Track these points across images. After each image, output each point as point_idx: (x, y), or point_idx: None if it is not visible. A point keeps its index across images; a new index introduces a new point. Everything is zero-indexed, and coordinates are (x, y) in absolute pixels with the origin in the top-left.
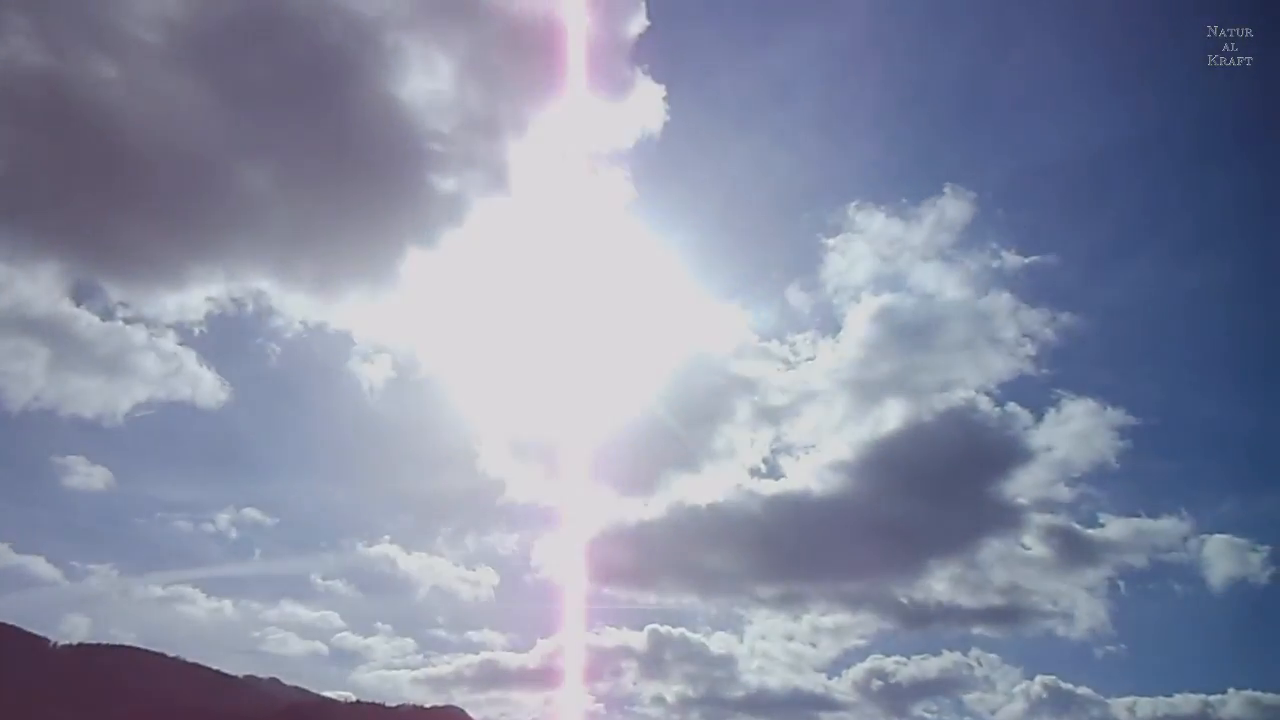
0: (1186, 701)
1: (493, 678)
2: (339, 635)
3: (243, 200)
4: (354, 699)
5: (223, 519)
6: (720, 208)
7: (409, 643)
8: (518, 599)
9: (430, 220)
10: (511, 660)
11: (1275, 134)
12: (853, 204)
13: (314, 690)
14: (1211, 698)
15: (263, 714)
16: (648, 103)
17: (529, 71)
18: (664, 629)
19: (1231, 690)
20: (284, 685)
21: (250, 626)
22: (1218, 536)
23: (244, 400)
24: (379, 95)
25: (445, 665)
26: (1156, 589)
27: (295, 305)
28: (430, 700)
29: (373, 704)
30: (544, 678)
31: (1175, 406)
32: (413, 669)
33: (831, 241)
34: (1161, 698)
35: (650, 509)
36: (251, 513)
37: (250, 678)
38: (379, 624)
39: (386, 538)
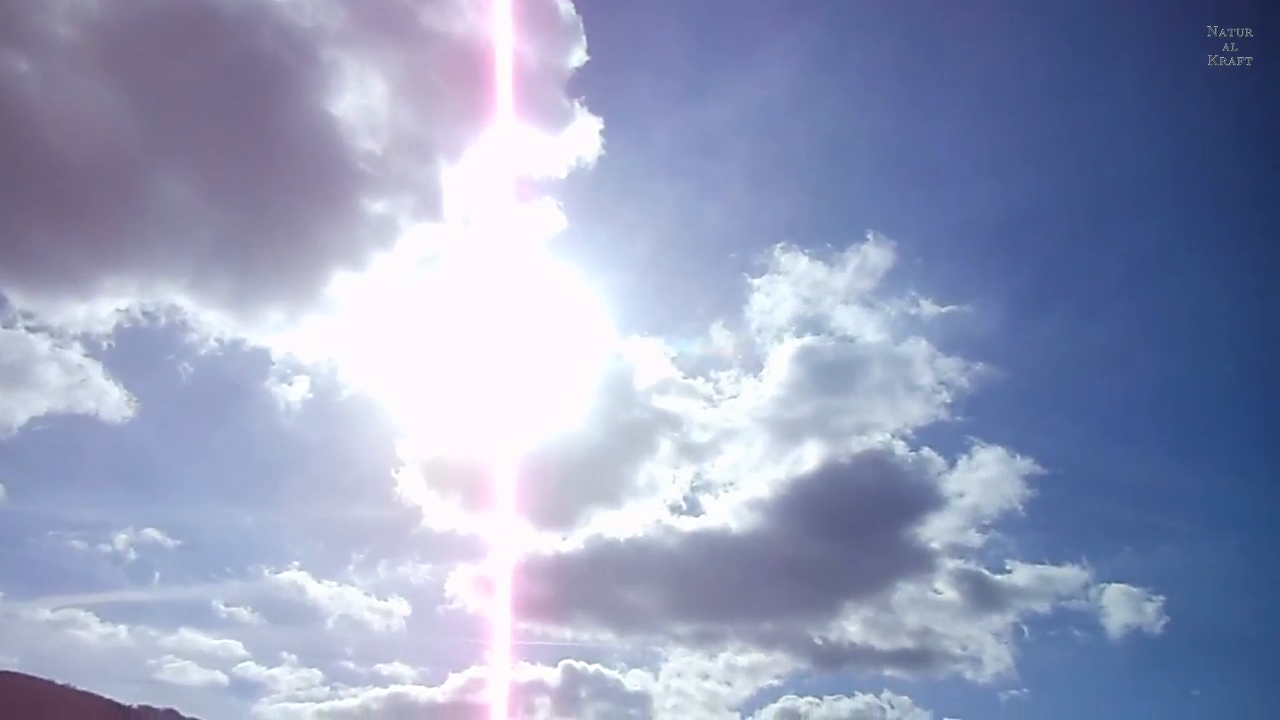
0: None
1: (402, 711)
2: (241, 665)
3: (160, 210)
4: None
5: (121, 540)
6: (650, 243)
7: (315, 674)
8: (430, 631)
9: (358, 242)
10: (421, 694)
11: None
12: (778, 245)
13: None
14: None
15: None
16: (584, 134)
17: (465, 95)
18: (579, 665)
19: None
20: (181, 717)
21: (146, 654)
22: (1115, 585)
23: (151, 416)
24: (309, 109)
25: (352, 698)
26: (1058, 635)
27: (211, 321)
28: None
29: None
30: (455, 712)
31: (1079, 458)
32: (318, 701)
33: (756, 281)
34: None
35: (569, 543)
36: (152, 534)
37: (145, 708)
38: (284, 654)
39: (295, 564)
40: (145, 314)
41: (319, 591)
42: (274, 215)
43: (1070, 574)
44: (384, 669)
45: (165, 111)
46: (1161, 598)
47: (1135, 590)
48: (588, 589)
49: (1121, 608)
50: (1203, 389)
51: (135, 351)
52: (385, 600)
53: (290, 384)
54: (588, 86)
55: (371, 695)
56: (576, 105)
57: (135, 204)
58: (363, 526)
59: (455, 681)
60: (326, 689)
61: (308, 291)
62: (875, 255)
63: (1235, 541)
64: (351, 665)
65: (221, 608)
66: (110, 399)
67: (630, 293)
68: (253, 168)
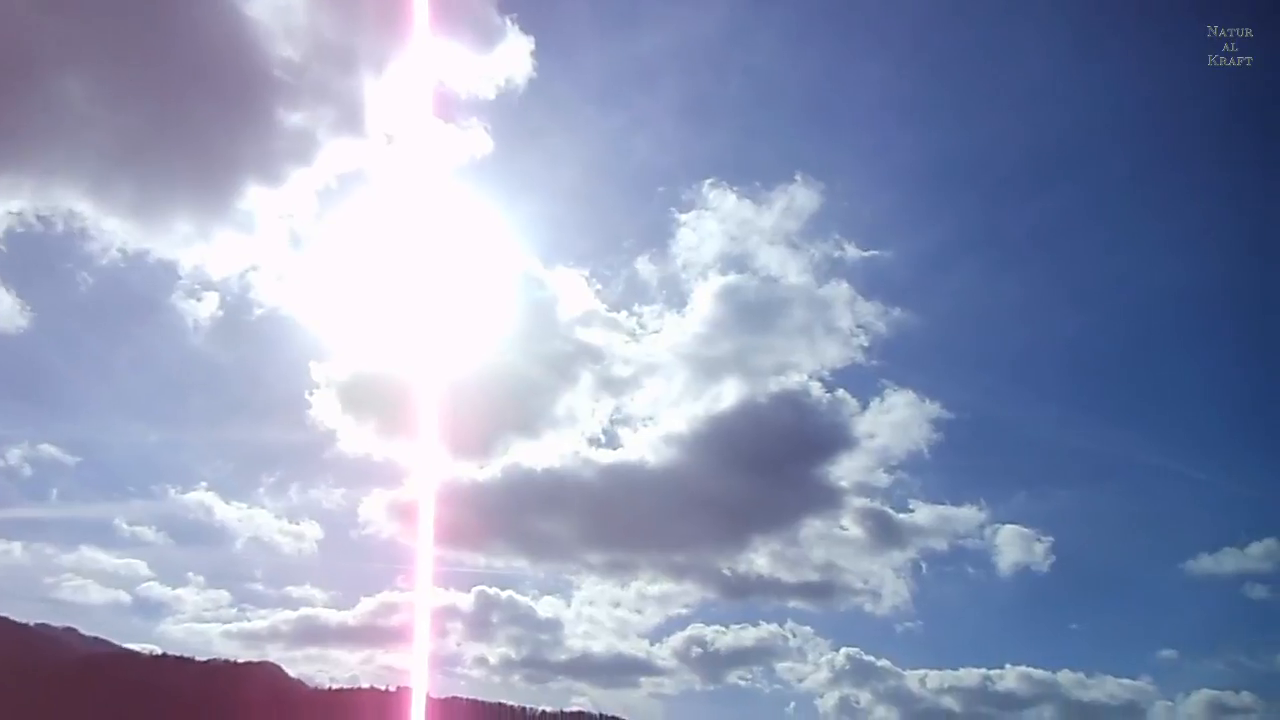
0: (970, 675)
1: (311, 634)
2: (145, 585)
3: (57, 109)
4: (160, 652)
5: (15, 454)
6: (577, 172)
7: (223, 595)
8: (342, 555)
9: (274, 154)
10: (332, 617)
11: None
12: (707, 182)
13: (115, 642)
14: (991, 672)
15: (57, 665)
16: (514, 54)
17: (391, 4)
18: (492, 591)
19: (1009, 665)
20: (82, 635)
21: (44, 572)
22: (1009, 526)
23: (48, 327)
24: (223, 9)
25: (261, 620)
26: (953, 571)
27: (113, 230)
28: (244, 655)
29: (180, 657)
30: (366, 636)
31: (984, 405)
32: (225, 622)
33: (684, 217)
34: (949, 671)
35: (486, 471)
36: (49, 450)
37: (43, 626)
38: (190, 575)
39: (203, 484)
40: (40, 219)
41: (228, 513)
42: (182, 121)
43: (968, 514)
44: (294, 592)
45: (65, 5)
46: (1050, 539)
47: (1027, 531)
48: (504, 517)
49: (1013, 547)
50: (1102, 347)
51: (29, 258)
52: (297, 523)
53: (199, 300)
54: (520, 3)
55: (281, 618)
56: (508, 23)
57: (29, 101)
58: (274, 449)
59: (367, 605)
60: (234, 610)
61: (219, 204)
62: (803, 197)
63: (1119, 488)
64: (260, 588)
65: (124, 527)
66: (1, 307)
67: (556, 222)
68: (160, 68)
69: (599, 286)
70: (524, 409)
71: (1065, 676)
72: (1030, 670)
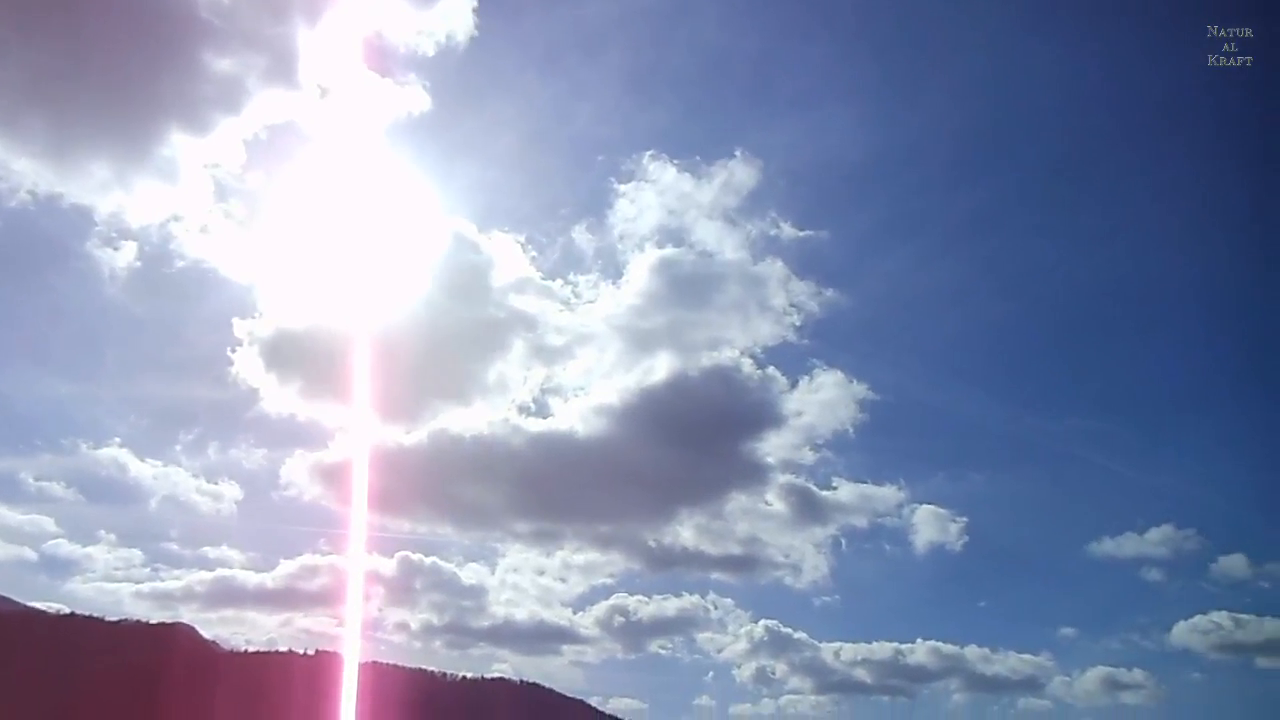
0: (882, 648)
1: (228, 596)
2: (53, 542)
3: None
4: (67, 611)
5: None
6: (517, 136)
7: (135, 554)
8: (262, 517)
9: (200, 101)
10: (250, 579)
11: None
12: (648, 153)
13: (19, 600)
14: (903, 645)
15: None
16: (456, 10)
17: None
18: (416, 557)
19: (919, 640)
20: None
21: None
22: (926, 506)
23: None
24: None
25: (175, 580)
26: (871, 549)
27: (23, 171)
28: (156, 616)
29: (89, 617)
30: (285, 599)
31: (909, 388)
32: (138, 582)
33: (623, 188)
34: (863, 644)
35: (413, 436)
36: None
37: None
38: (102, 532)
39: (116, 440)
40: None
41: (142, 470)
42: (102, 60)
43: (888, 493)
44: (211, 552)
45: None
46: (965, 519)
47: (943, 511)
48: (430, 483)
49: (929, 526)
50: (1025, 335)
51: None
52: (215, 483)
53: (116, 249)
54: None
55: (196, 578)
56: None
57: None
58: (193, 406)
59: (287, 568)
60: (147, 570)
61: (139, 150)
62: (742, 173)
63: (1030, 472)
64: (175, 547)
65: (31, 481)
66: None
67: (492, 185)
68: (78, 1)
69: (534, 254)
70: (454, 375)
71: (972, 651)
72: (939, 645)
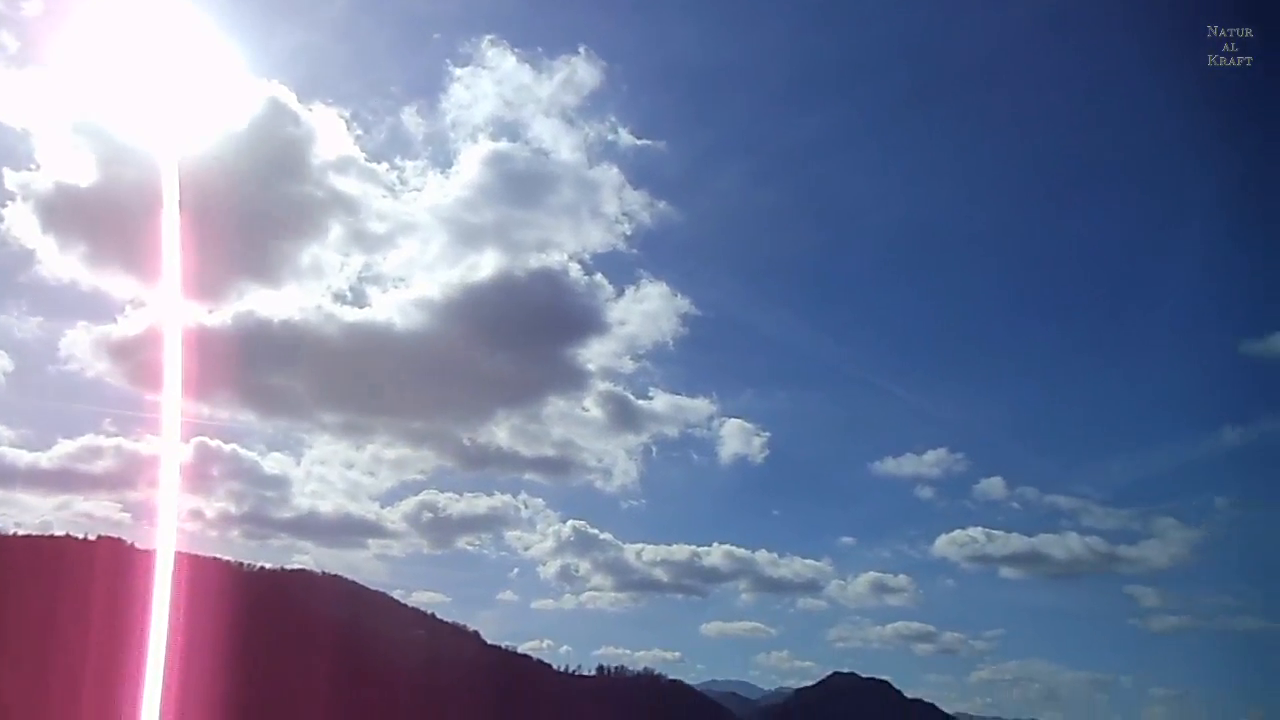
0: (681, 550)
1: None
2: None
3: None
4: None
5: None
6: (346, 1)
7: None
8: (37, 392)
9: None
10: (21, 458)
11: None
12: (488, 38)
13: None
14: (700, 548)
15: None
16: None
17: None
18: (214, 443)
19: (716, 544)
20: None
21: None
22: (734, 420)
23: None
24: None
25: None
26: (679, 457)
27: None
28: None
29: None
30: (62, 480)
31: (729, 305)
32: None
33: (459, 71)
34: (664, 546)
35: (216, 316)
36: None
37: None
38: None
39: None
40: None
41: None
42: None
43: (700, 406)
44: None
45: None
46: (768, 434)
47: (749, 426)
48: (233, 367)
49: (735, 439)
50: (836, 264)
51: None
52: None
53: None
54: None
55: None
56: None
57: None
58: None
59: (65, 448)
60: None
61: None
62: (584, 72)
63: (829, 394)
64: None
65: None
66: None
67: (317, 52)
68: None
69: (359, 132)
70: (264, 254)
71: (762, 555)
72: (733, 549)
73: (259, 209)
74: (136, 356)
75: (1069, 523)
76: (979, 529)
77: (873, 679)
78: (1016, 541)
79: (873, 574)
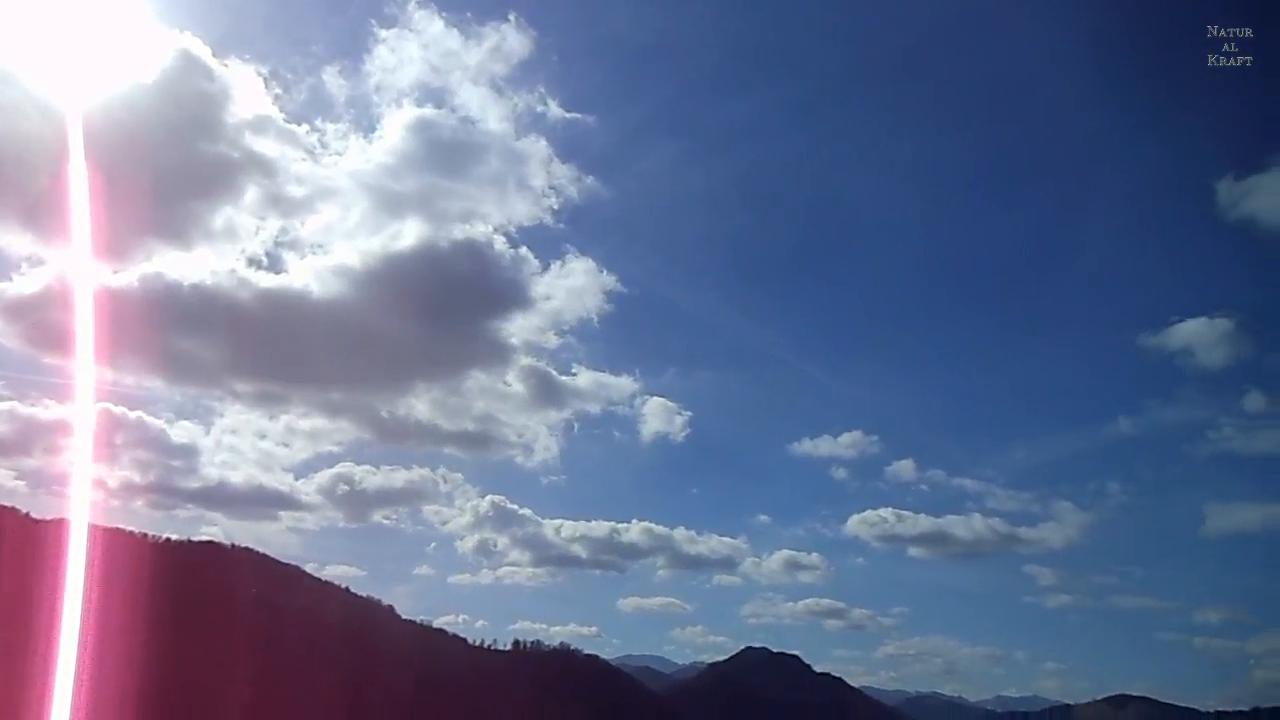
0: (600, 526)
1: None
2: None
3: None
4: None
5: None
6: None
7: None
8: None
9: None
10: None
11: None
12: None
13: None
14: (619, 525)
15: None
16: None
17: None
18: (118, 410)
19: (635, 520)
20: None
21: None
22: (656, 398)
23: None
24: None
25: None
26: (601, 434)
27: None
28: None
29: None
30: None
31: (655, 284)
32: None
33: (384, 33)
34: (583, 522)
35: (122, 277)
36: None
37: None
38: None
39: None
40: None
41: None
42: None
43: (623, 384)
44: None
45: None
46: (689, 413)
47: (671, 404)
48: (138, 331)
49: (657, 417)
50: (762, 246)
51: None
52: None
53: None
54: None
55: None
56: None
57: None
58: None
59: None
60: None
61: None
62: (514, 40)
63: (750, 375)
64: None
65: None
66: None
67: (234, 5)
68: None
69: (278, 91)
70: (174, 214)
71: (680, 533)
72: (652, 525)
73: (169, 166)
74: (32, 317)
75: (974, 504)
76: (889, 509)
77: (783, 653)
78: (924, 522)
79: (786, 552)
